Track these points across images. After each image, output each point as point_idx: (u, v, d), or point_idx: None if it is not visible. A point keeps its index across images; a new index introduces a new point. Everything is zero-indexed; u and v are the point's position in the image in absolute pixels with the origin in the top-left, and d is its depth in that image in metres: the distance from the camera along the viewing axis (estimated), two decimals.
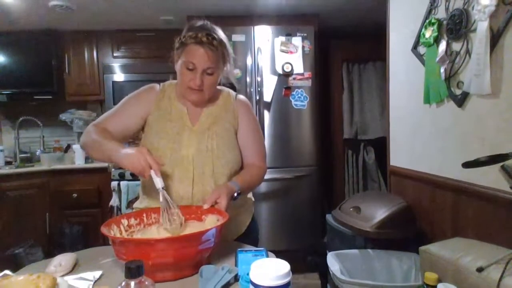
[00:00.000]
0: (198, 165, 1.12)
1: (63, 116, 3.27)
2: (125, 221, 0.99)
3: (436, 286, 0.79)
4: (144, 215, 1.04)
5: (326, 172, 3.39)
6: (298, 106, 2.70)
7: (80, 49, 3.24)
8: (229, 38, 2.63)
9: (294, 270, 0.63)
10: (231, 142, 1.19)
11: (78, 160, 3.04)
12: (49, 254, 1.96)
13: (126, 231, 0.98)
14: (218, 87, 1.25)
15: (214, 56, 1.09)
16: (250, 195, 1.31)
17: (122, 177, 2.79)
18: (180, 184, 1.12)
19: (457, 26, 1.48)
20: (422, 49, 1.77)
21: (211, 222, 1.01)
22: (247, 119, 1.24)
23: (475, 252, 1.17)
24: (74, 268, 0.93)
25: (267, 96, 2.67)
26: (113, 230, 0.93)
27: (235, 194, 1.07)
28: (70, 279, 0.85)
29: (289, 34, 2.67)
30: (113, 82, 3.17)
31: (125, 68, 3.19)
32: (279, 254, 0.89)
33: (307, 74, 2.68)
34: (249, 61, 2.66)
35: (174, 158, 1.12)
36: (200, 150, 1.13)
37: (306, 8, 2.84)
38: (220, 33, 1.14)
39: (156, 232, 1.01)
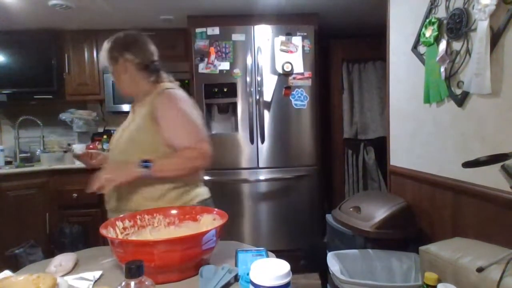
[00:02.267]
0: (117, 153, 1.31)
1: (63, 116, 3.26)
2: (120, 224, 0.99)
3: (436, 286, 0.78)
4: (138, 217, 1.04)
5: (326, 172, 3.39)
6: (298, 105, 2.70)
7: (80, 49, 3.23)
8: (229, 37, 2.67)
9: (294, 270, 0.63)
10: (144, 125, 1.23)
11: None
12: (49, 254, 1.96)
13: (121, 233, 0.97)
14: (163, 84, 1.31)
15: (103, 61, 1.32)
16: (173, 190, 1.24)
17: None
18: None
19: (458, 26, 1.48)
20: (422, 49, 1.77)
21: (206, 221, 1.01)
22: (165, 108, 1.23)
23: (475, 252, 1.17)
24: (74, 268, 0.93)
25: (267, 96, 2.67)
26: (110, 233, 0.93)
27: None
28: (70, 279, 0.85)
29: (289, 34, 2.67)
30: (113, 82, 3.16)
31: None
32: (279, 254, 0.89)
33: (307, 74, 2.68)
34: (249, 60, 2.66)
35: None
36: (121, 139, 1.30)
37: (306, 7, 2.83)
38: (109, 41, 1.29)
39: (149, 234, 1.01)
